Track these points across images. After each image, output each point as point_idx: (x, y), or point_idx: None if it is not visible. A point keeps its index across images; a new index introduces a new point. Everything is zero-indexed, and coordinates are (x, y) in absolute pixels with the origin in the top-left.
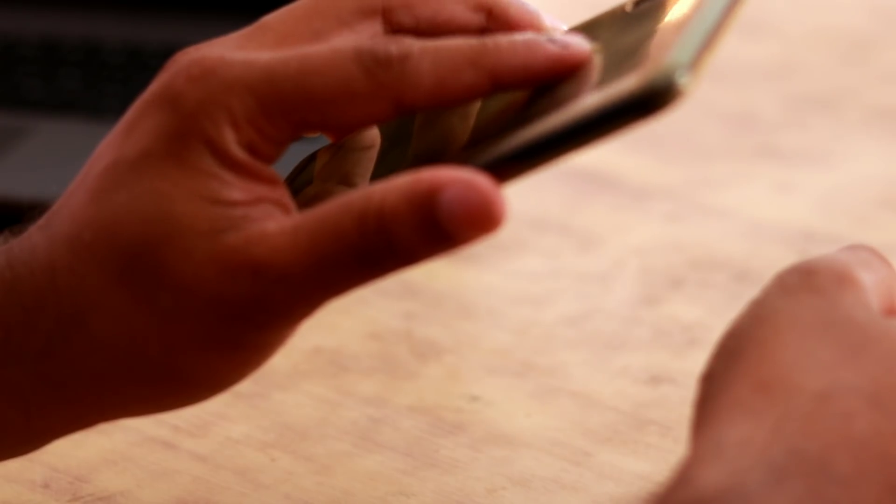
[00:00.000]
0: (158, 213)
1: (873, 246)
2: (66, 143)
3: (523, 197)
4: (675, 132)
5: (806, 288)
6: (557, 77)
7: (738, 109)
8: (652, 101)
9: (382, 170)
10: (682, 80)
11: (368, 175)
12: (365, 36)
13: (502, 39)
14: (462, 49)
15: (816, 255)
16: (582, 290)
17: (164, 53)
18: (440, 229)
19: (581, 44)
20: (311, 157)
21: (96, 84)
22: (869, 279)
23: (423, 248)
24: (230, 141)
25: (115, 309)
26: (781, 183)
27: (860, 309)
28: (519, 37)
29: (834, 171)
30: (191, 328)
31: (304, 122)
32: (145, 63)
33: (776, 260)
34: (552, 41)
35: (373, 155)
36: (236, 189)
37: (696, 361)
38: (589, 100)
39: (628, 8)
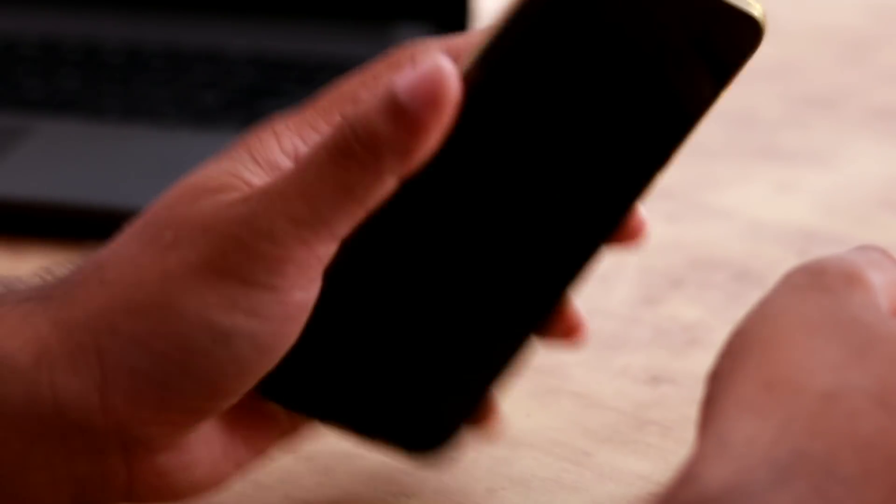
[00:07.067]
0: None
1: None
2: (66, 143)
3: None
4: None
5: (814, 287)
6: None
7: (738, 109)
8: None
9: None
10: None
11: None
12: None
13: None
14: None
15: (818, 254)
16: (582, 290)
17: (164, 53)
18: (401, 107)
19: None
20: None
21: (96, 84)
22: (878, 280)
23: (393, 135)
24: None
25: (129, 255)
26: (781, 183)
27: (868, 309)
28: None
29: (834, 171)
30: (185, 254)
31: None
32: (145, 63)
33: (776, 260)
34: None
35: None
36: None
37: (696, 361)
38: None
39: None
